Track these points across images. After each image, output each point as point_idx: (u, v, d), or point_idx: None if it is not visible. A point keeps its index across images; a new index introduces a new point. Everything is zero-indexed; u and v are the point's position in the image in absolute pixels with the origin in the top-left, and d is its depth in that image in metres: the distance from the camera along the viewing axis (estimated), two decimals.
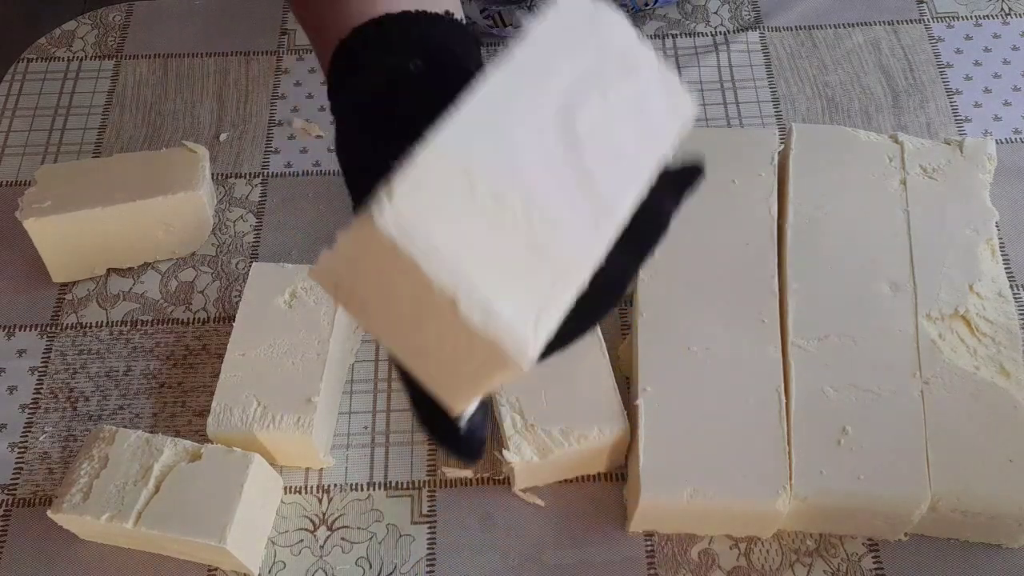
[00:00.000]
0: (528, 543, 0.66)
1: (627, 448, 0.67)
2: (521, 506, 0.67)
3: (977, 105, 0.86)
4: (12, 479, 0.70)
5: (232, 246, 0.80)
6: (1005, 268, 0.74)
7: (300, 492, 0.69)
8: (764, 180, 0.74)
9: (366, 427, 0.71)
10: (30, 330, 0.77)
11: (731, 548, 0.65)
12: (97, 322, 0.77)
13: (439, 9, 0.49)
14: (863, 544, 0.65)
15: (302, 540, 0.67)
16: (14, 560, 0.66)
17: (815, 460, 0.63)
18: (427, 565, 0.65)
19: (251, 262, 0.78)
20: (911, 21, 0.92)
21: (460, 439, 0.43)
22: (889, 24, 0.92)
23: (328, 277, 0.37)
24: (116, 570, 0.66)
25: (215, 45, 0.93)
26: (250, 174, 0.85)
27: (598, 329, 0.69)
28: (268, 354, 0.68)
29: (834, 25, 0.92)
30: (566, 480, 0.68)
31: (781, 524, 0.64)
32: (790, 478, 0.62)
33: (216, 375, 0.68)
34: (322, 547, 0.66)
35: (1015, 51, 0.90)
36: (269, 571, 0.65)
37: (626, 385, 0.70)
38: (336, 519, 0.67)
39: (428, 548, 0.66)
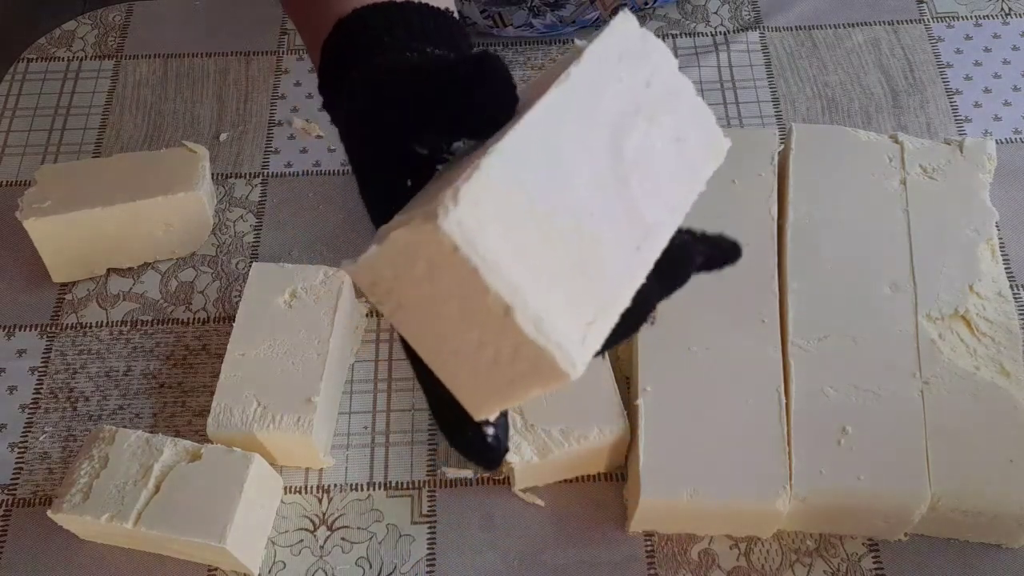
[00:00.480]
0: (528, 543, 0.66)
1: (627, 448, 0.67)
2: (521, 506, 0.67)
3: (977, 105, 0.86)
4: (12, 479, 0.70)
5: (232, 246, 0.80)
6: (1005, 268, 0.74)
7: (300, 492, 0.69)
8: (764, 180, 0.74)
9: (366, 427, 0.71)
10: (30, 330, 0.77)
11: (731, 548, 0.65)
12: (97, 322, 0.77)
13: (439, 4, 0.49)
14: (863, 544, 0.65)
15: (302, 540, 0.67)
16: (14, 560, 0.66)
17: (815, 460, 0.63)
18: (427, 565, 0.65)
19: (251, 262, 0.78)
20: (911, 21, 0.92)
21: (484, 448, 0.43)
22: (889, 24, 0.92)
23: (368, 273, 0.37)
24: (116, 570, 0.66)
25: (215, 45, 0.93)
26: (250, 174, 0.85)
27: None
28: (268, 354, 0.68)
29: (834, 25, 0.92)
30: (566, 480, 0.68)
31: (781, 524, 0.64)
32: (790, 478, 0.62)
33: (216, 375, 0.68)
34: (322, 547, 0.66)
35: (1015, 51, 0.90)
36: (269, 571, 0.65)
37: (626, 385, 0.70)
38: (336, 519, 0.67)
39: (428, 548, 0.66)
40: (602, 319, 0.38)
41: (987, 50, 0.90)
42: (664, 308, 0.70)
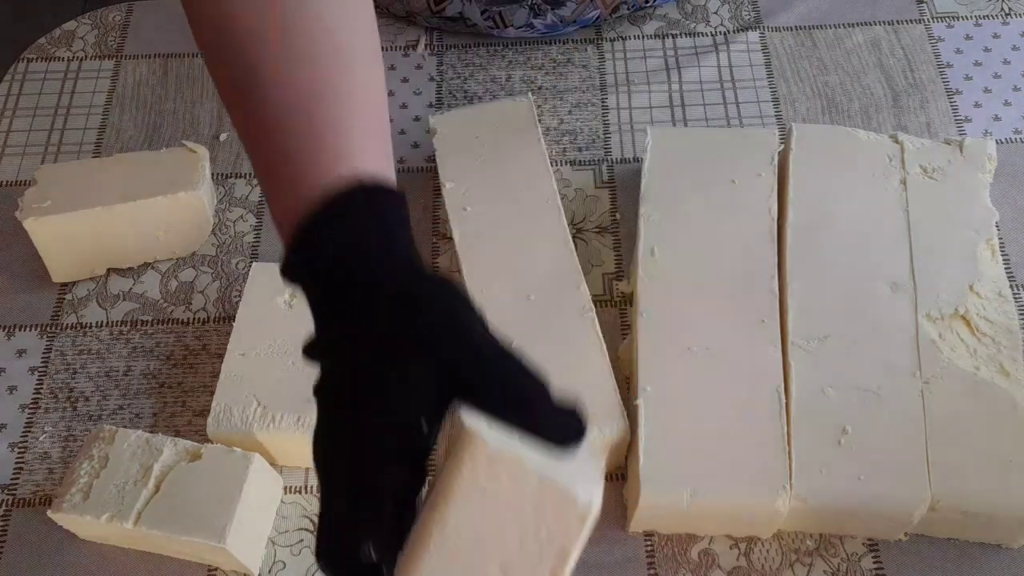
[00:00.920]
0: None
1: (627, 448, 0.67)
2: None
3: (977, 105, 0.86)
4: (12, 479, 0.70)
5: (232, 246, 0.80)
6: (1005, 268, 0.74)
7: (300, 492, 0.69)
8: (764, 180, 0.74)
9: None
10: (30, 330, 0.77)
11: (731, 548, 0.65)
12: (97, 322, 0.77)
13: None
14: (863, 544, 0.65)
15: (302, 540, 0.67)
16: (14, 560, 0.66)
17: (815, 460, 0.63)
18: None
19: (251, 262, 0.78)
20: (911, 21, 0.92)
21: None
22: (889, 24, 0.92)
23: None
24: (116, 570, 0.66)
25: None
26: (250, 174, 0.84)
27: (598, 329, 0.69)
28: (268, 354, 0.68)
29: (834, 25, 0.92)
30: None
31: (781, 524, 0.64)
32: (790, 478, 0.62)
33: (216, 375, 0.68)
34: None
35: (1015, 51, 0.90)
36: (269, 571, 0.65)
37: (626, 385, 0.70)
38: None
39: None
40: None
41: (987, 50, 0.90)
42: (664, 308, 0.71)
